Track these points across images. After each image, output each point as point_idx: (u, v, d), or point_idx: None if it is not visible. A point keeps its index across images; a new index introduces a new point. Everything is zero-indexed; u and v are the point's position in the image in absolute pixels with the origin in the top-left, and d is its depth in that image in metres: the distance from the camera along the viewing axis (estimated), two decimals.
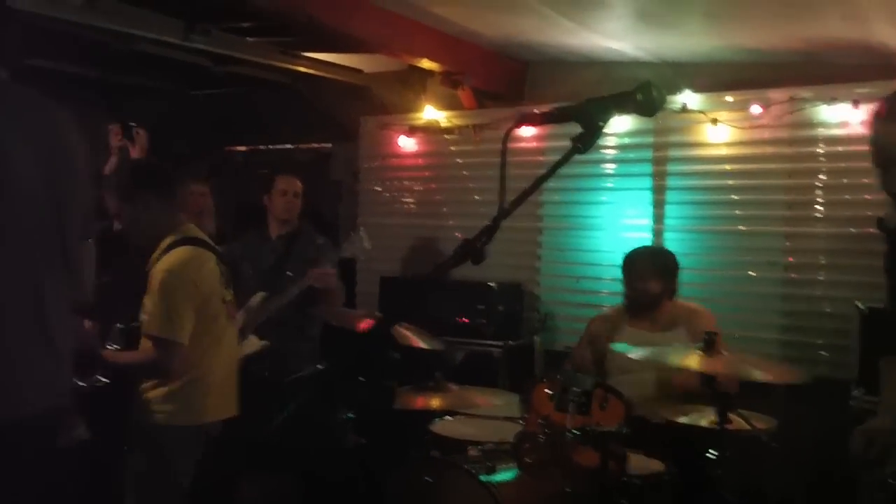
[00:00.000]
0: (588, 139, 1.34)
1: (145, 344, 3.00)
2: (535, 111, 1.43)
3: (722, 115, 4.66)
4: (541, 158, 5.03)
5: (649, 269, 3.94)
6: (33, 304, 1.88)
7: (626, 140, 4.95)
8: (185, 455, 3.07)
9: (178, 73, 6.04)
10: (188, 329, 2.95)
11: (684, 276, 4.81)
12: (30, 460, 1.88)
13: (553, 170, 1.35)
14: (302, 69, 5.43)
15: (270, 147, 6.95)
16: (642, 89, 1.35)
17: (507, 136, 1.40)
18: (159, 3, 4.35)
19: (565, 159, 1.35)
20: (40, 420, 1.90)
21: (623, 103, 1.36)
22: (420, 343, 3.51)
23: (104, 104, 6.19)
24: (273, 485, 4.17)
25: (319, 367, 4.04)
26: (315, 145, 6.82)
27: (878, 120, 1.92)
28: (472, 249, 1.28)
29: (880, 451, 1.87)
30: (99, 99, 6.35)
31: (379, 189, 5.95)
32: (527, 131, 5.11)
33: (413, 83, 5.63)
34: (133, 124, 4.06)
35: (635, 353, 3.29)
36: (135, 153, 4.03)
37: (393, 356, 1.31)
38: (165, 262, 2.99)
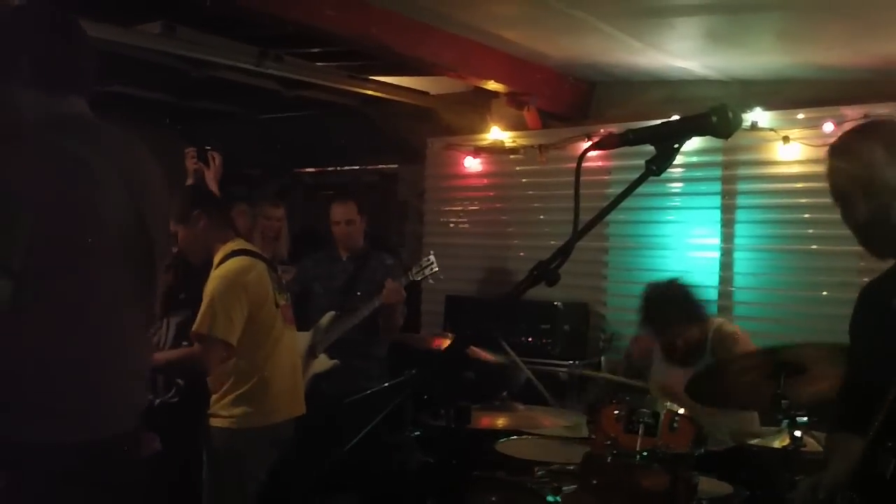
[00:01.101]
0: (663, 162, 1.34)
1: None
2: (611, 133, 1.44)
3: (793, 132, 4.59)
4: (606, 178, 5.02)
5: (684, 318, 3.62)
6: (123, 329, 1.96)
7: (694, 159, 4.90)
8: (257, 457, 3.21)
9: (249, 98, 6.20)
10: (236, 330, 3.10)
11: (754, 296, 4.73)
12: (120, 477, 1.96)
13: (628, 192, 1.36)
14: (369, 92, 5.53)
15: (338, 169, 7.07)
16: (717, 111, 1.36)
17: (582, 158, 1.41)
18: (234, 30, 4.49)
19: (638, 182, 1.35)
20: (128, 438, 1.98)
21: (698, 126, 1.36)
22: (491, 357, 3.54)
23: (179, 129, 6.40)
24: (340, 502, 4.22)
25: (386, 385, 4.08)
26: (382, 167, 6.91)
27: (830, 155, 1.92)
28: (547, 271, 1.29)
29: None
30: (174, 123, 6.57)
31: (444, 209, 5.99)
32: (594, 152, 5.08)
33: (479, 104, 5.68)
34: (208, 147, 4.19)
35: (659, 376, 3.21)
36: (209, 175, 4.15)
37: (468, 376, 1.33)
38: (218, 271, 3.20)
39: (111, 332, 1.93)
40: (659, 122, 1.40)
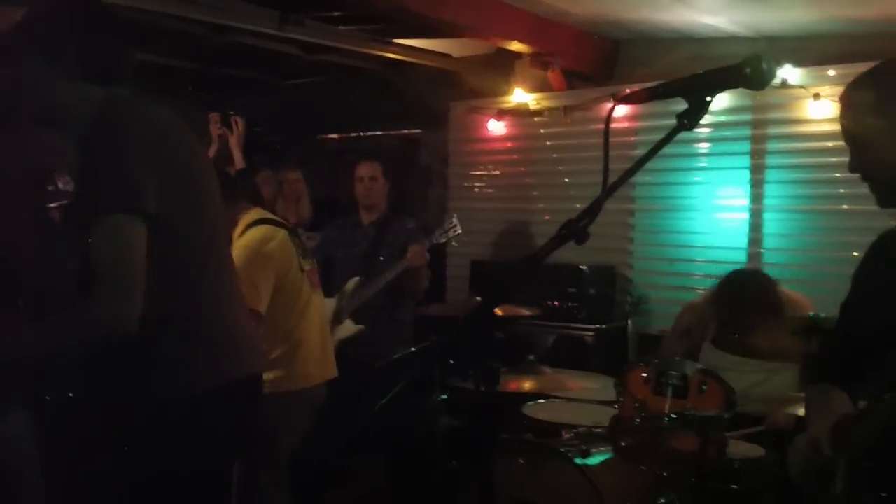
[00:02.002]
0: (695, 115, 1.30)
1: None
2: (639, 88, 1.40)
3: (824, 89, 4.48)
4: (633, 139, 4.94)
5: (722, 299, 3.63)
6: (235, 275, 2.15)
7: (722, 118, 4.81)
8: (290, 422, 3.25)
9: (271, 65, 6.17)
10: (263, 299, 3.15)
11: (784, 258, 4.67)
12: (254, 415, 2.14)
13: (657, 149, 1.32)
14: (391, 56, 5.48)
15: (361, 134, 7.04)
16: (751, 62, 1.31)
17: (610, 116, 1.37)
18: None
19: (669, 137, 1.32)
20: (260, 378, 2.14)
21: (731, 77, 1.32)
22: (523, 312, 3.55)
23: (201, 96, 6.38)
24: (366, 465, 4.25)
25: (413, 349, 4.08)
26: (404, 131, 6.87)
27: (840, 104, 1.85)
28: (576, 230, 1.27)
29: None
30: (196, 91, 6.56)
31: (468, 173, 5.95)
32: (619, 110, 5.00)
33: (502, 66, 5.60)
34: (231, 113, 4.19)
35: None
36: (233, 140, 4.15)
37: (498, 336, 1.32)
38: (240, 241, 3.24)
39: (230, 277, 2.07)
40: (690, 74, 1.35)
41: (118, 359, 1.86)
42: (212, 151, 4.20)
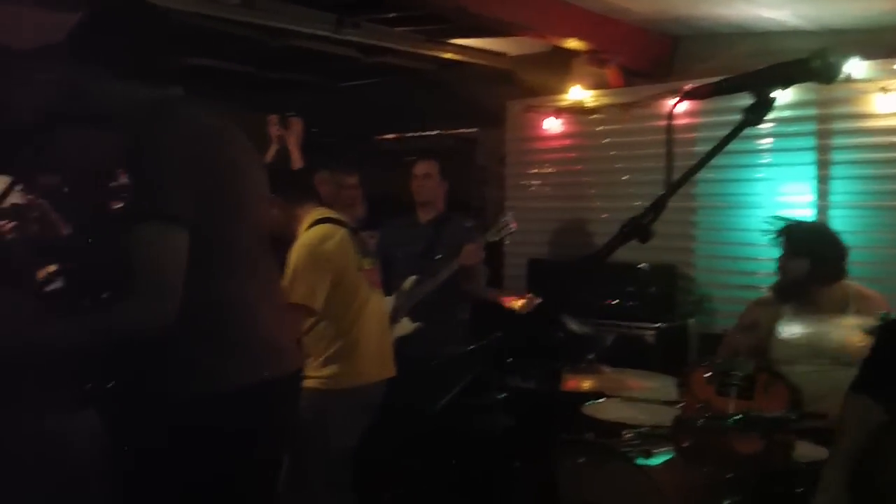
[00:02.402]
0: (760, 111, 1.27)
1: None
2: (702, 83, 1.38)
3: (892, 83, 4.35)
4: (693, 135, 4.86)
5: (793, 245, 3.58)
6: (276, 275, 2.26)
7: (787, 113, 4.69)
8: (345, 419, 3.28)
9: (328, 67, 6.23)
10: (318, 296, 3.18)
11: (852, 256, 4.54)
12: (295, 411, 2.23)
13: (722, 145, 1.30)
14: (447, 56, 5.49)
15: (417, 134, 7.06)
16: (819, 55, 1.28)
17: (673, 112, 1.35)
18: None
19: (735, 133, 1.29)
20: (300, 374, 2.24)
21: (799, 71, 1.28)
22: (576, 328, 3.52)
23: (259, 100, 6.47)
24: (425, 463, 4.26)
25: (471, 347, 4.08)
26: (460, 131, 6.87)
27: None
28: (640, 227, 1.25)
29: None
30: (254, 95, 6.66)
31: (525, 172, 5.92)
32: (678, 107, 4.93)
33: (558, 64, 5.56)
34: (289, 114, 4.24)
35: (791, 332, 3.12)
36: (292, 141, 4.20)
37: (559, 337, 1.31)
38: (300, 240, 3.28)
39: (267, 279, 2.13)
40: (757, 68, 1.32)
41: (149, 357, 1.92)
42: (271, 152, 4.26)
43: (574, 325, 3.53)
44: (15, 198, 3.17)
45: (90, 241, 2.96)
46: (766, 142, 4.82)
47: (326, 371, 3.27)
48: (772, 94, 1.29)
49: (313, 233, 3.31)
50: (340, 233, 3.36)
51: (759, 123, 1.28)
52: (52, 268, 2.95)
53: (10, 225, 3.14)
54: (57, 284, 2.95)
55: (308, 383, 3.23)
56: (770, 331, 3.60)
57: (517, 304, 3.92)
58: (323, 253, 3.24)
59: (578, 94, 5.51)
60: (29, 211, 3.37)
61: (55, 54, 2.12)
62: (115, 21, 2.03)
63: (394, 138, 7.28)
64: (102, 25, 2.02)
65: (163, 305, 1.80)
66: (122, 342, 1.90)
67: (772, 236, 3.68)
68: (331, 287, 3.24)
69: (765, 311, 3.72)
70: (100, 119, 2.07)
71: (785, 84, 1.30)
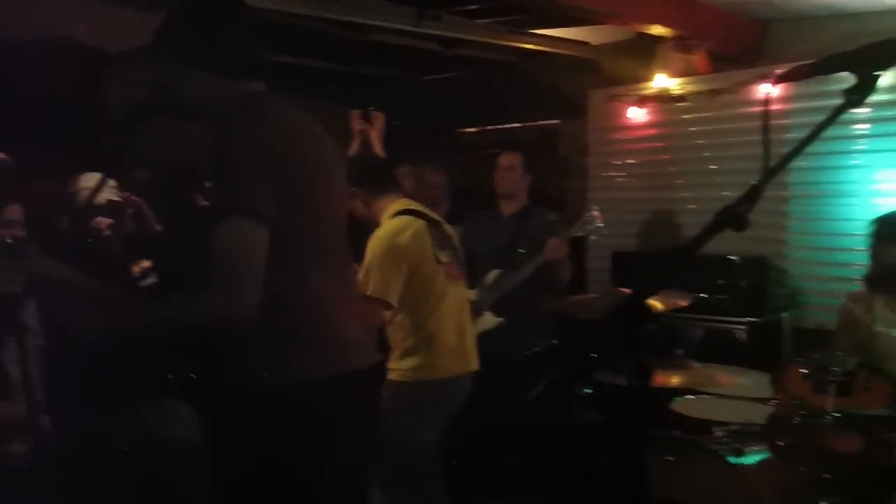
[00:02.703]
0: (863, 92, 1.20)
1: None
2: (800, 65, 1.30)
3: None
4: (785, 121, 4.66)
5: (887, 233, 3.42)
6: (353, 269, 2.28)
7: (884, 97, 4.47)
8: (426, 412, 3.28)
9: (409, 61, 6.25)
10: (393, 289, 3.18)
11: None
12: (376, 403, 2.24)
13: (819, 130, 1.23)
14: (529, 46, 5.43)
15: (499, 127, 7.02)
16: None
17: (769, 97, 1.28)
18: None
19: (834, 117, 1.22)
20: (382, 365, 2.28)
21: None
22: (680, 302, 3.43)
23: (342, 95, 6.54)
24: (508, 458, 4.24)
25: (554, 342, 4.03)
26: (542, 123, 6.80)
27: None
28: (735, 216, 1.19)
29: None
30: (337, 90, 6.73)
31: (609, 163, 5.82)
32: (769, 92, 4.78)
33: (642, 51, 5.44)
34: (371, 109, 4.26)
35: (888, 326, 2.96)
36: (374, 136, 4.22)
37: (650, 330, 1.27)
38: (377, 232, 3.28)
39: (343, 274, 2.14)
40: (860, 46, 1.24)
41: (229, 349, 1.95)
42: (354, 147, 4.29)
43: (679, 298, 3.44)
44: (109, 194, 3.27)
45: (180, 235, 3.04)
46: (863, 127, 4.60)
47: (405, 363, 3.28)
48: (875, 74, 1.21)
49: (389, 225, 3.32)
50: (417, 224, 3.34)
51: (860, 105, 1.21)
52: (147, 263, 3.04)
53: (107, 222, 3.23)
54: (151, 279, 3.04)
55: (389, 375, 3.26)
56: (868, 325, 3.44)
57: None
58: (397, 245, 3.24)
59: (664, 81, 5.38)
60: (125, 207, 3.49)
61: (146, 53, 2.17)
62: (201, 16, 2.06)
63: (476, 131, 7.26)
64: (187, 21, 2.06)
65: (242, 299, 1.82)
66: (202, 334, 1.93)
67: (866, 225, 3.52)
68: (406, 279, 3.23)
69: (859, 306, 3.55)
70: (186, 114, 2.11)
71: (889, 63, 1.22)
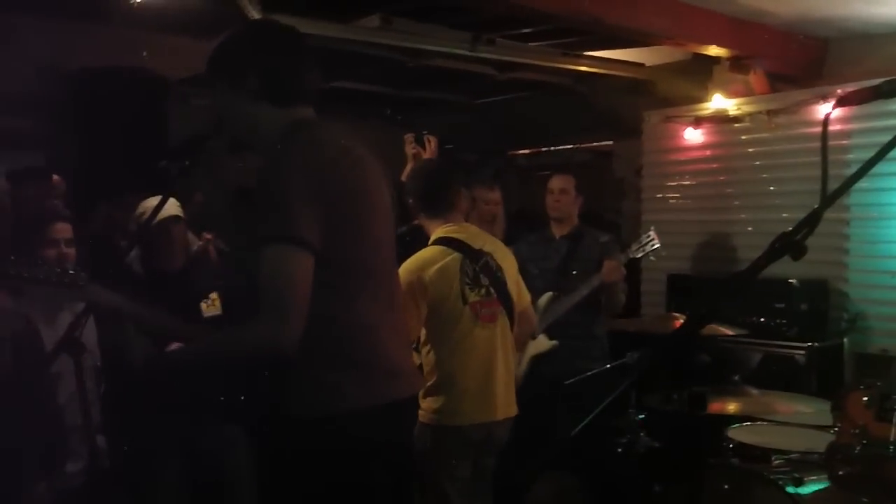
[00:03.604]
0: None
1: None
2: (859, 87, 1.28)
3: None
4: (846, 142, 4.58)
5: None
6: (397, 297, 2.20)
7: None
8: (446, 456, 3.11)
9: (464, 84, 6.30)
10: (414, 325, 3.02)
11: None
12: (410, 436, 2.26)
13: (884, 152, 1.21)
14: (583, 69, 5.43)
15: (552, 149, 7.02)
16: None
17: (828, 118, 1.27)
18: (447, 17, 4.56)
19: None
20: (416, 399, 2.26)
21: None
22: (724, 331, 3.34)
23: (399, 119, 6.62)
24: (564, 484, 4.19)
25: (608, 366, 3.98)
26: (595, 144, 6.78)
27: None
28: (792, 243, 1.18)
29: None
30: (393, 114, 6.81)
31: (664, 185, 5.77)
32: (826, 113, 4.70)
33: (698, 72, 5.40)
34: (424, 132, 4.30)
35: None
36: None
37: (703, 359, 1.24)
38: (405, 263, 3.07)
39: (390, 301, 2.13)
40: None
41: (275, 375, 1.98)
42: (408, 170, 4.32)
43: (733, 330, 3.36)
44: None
45: (240, 265, 3.09)
46: None
47: (427, 403, 3.11)
48: None
49: (420, 255, 3.16)
50: (448, 258, 3.14)
51: None
52: (215, 296, 3.09)
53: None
54: (215, 311, 3.08)
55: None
56: None
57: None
58: (419, 280, 3.07)
59: (720, 102, 5.32)
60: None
61: (202, 80, 2.21)
62: (250, 44, 2.10)
63: (529, 153, 7.27)
64: (238, 48, 2.10)
65: (286, 327, 1.84)
66: (250, 362, 1.97)
67: None
68: (429, 315, 3.10)
69: None
70: (240, 141, 2.14)
71: None
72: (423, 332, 3.15)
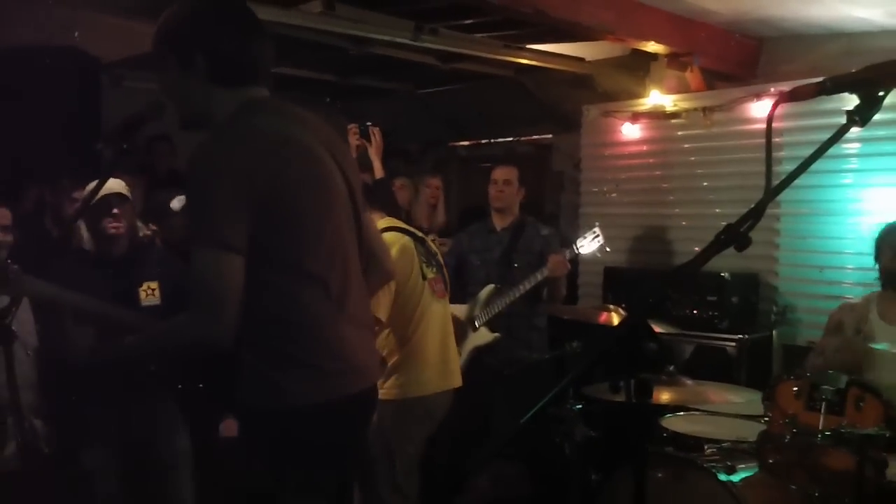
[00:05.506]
0: (867, 112, 1.22)
1: None
2: (806, 84, 1.32)
3: None
4: (779, 139, 4.70)
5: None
6: (358, 287, 2.12)
7: (876, 116, 4.49)
8: (408, 429, 3.25)
9: (406, 74, 6.27)
10: (384, 306, 3.15)
11: None
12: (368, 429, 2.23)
13: (824, 149, 1.24)
14: (525, 61, 5.46)
15: (493, 141, 7.05)
16: None
17: (772, 115, 1.30)
18: (390, 5, 4.53)
19: (839, 136, 1.23)
20: (375, 390, 2.20)
21: None
22: (658, 329, 3.44)
23: (339, 106, 6.57)
24: (501, 472, 4.23)
25: (547, 356, 4.03)
26: (536, 137, 6.83)
27: None
28: (737, 234, 1.20)
29: None
30: (335, 102, 6.75)
31: (602, 178, 5.84)
32: (760, 111, 4.82)
33: (637, 68, 5.48)
34: (369, 123, 4.26)
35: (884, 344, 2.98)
36: (372, 151, 4.22)
37: (652, 347, 1.27)
38: None
39: (351, 291, 2.06)
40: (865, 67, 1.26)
41: (219, 369, 1.99)
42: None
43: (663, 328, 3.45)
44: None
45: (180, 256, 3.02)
46: (853, 146, 4.63)
47: (390, 381, 3.25)
48: (879, 94, 1.23)
49: None
50: (403, 241, 3.33)
51: (864, 125, 1.22)
52: (154, 285, 3.03)
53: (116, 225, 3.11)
54: (154, 301, 3.03)
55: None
56: (856, 332, 3.45)
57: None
58: None
59: (657, 98, 5.41)
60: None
61: (143, 62, 2.14)
62: (198, 22, 1.98)
63: (470, 144, 7.29)
64: (183, 25, 1.98)
65: (216, 325, 1.82)
66: (185, 355, 1.97)
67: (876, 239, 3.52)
68: (394, 295, 3.20)
69: (850, 315, 3.57)
70: (188, 124, 2.05)
71: (894, 84, 1.24)
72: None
